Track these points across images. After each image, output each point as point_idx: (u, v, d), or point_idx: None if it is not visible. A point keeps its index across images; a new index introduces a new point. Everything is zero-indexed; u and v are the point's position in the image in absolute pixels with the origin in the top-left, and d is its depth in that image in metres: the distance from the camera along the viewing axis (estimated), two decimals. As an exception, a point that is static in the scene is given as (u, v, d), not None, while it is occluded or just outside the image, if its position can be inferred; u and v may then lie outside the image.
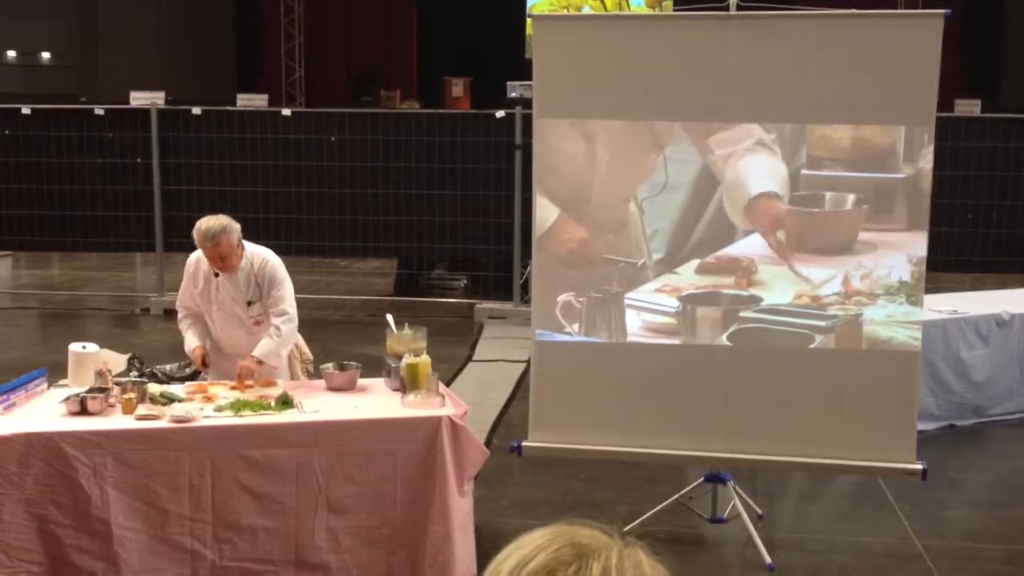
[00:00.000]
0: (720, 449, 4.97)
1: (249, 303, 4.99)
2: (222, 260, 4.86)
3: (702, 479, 5.23)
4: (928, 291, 5.23)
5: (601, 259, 5.11)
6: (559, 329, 5.16)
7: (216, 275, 4.95)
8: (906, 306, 4.99)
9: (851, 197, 5.02)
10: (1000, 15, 18.10)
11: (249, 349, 4.94)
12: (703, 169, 5.01)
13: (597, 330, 5.17)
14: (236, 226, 4.86)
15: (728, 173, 5.01)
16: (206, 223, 4.82)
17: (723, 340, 5.08)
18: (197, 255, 5.04)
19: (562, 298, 5.15)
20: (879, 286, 4.94)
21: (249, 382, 4.77)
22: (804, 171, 4.96)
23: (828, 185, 5.02)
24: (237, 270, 4.93)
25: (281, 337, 4.92)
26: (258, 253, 5.01)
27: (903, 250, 4.93)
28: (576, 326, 5.15)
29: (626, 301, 5.15)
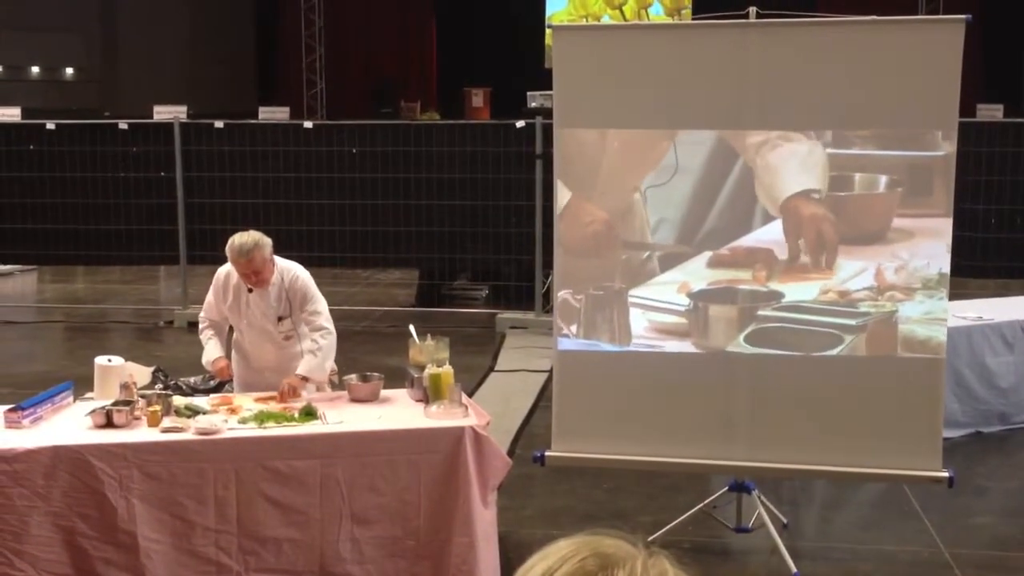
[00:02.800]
0: (744, 458, 4.93)
1: (280, 319, 5.00)
2: (256, 275, 4.86)
3: (726, 488, 5.20)
4: (952, 297, 5.05)
5: (613, 254, 4.84)
6: (558, 332, 4.94)
7: (250, 291, 4.96)
8: (946, 301, 4.64)
9: (883, 179, 4.65)
10: (1022, 20, 17.98)
11: (277, 363, 4.96)
12: (715, 149, 4.74)
13: (598, 331, 4.91)
14: (268, 241, 4.86)
15: (759, 163, 4.69)
16: (239, 239, 4.82)
17: (740, 341, 4.80)
18: (226, 269, 5.05)
19: (560, 295, 4.90)
20: (916, 279, 4.59)
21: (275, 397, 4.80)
22: (830, 150, 4.66)
23: (857, 165, 4.67)
24: (270, 284, 4.95)
25: (323, 352, 4.91)
26: (288, 268, 5.02)
27: (942, 238, 4.59)
28: (574, 327, 4.92)
29: (630, 299, 4.85)
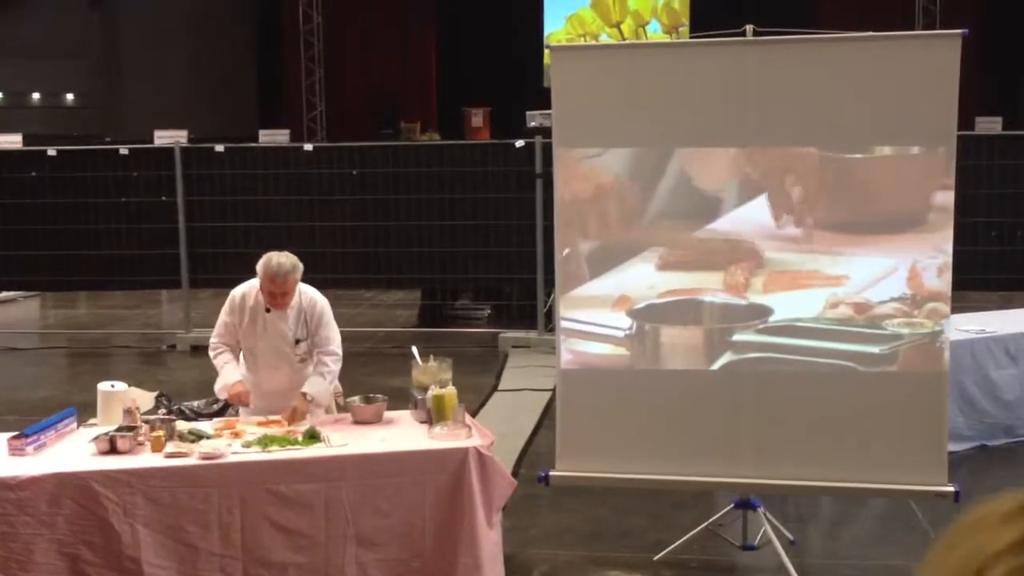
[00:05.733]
0: (749, 475, 4.91)
1: (297, 341, 4.99)
2: (283, 297, 4.85)
3: (732, 505, 5.19)
4: (955, 310, 4.88)
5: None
6: (560, 350, 4.47)
7: (268, 310, 4.96)
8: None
9: None
10: (1021, 32, 18.03)
11: (290, 387, 4.95)
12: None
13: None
14: (301, 266, 4.87)
15: None
16: (277, 259, 4.80)
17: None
18: (242, 290, 5.03)
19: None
20: None
21: (278, 418, 4.79)
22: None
23: None
24: (290, 307, 4.94)
25: (331, 375, 4.93)
26: (307, 291, 5.02)
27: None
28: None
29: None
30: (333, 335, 4.99)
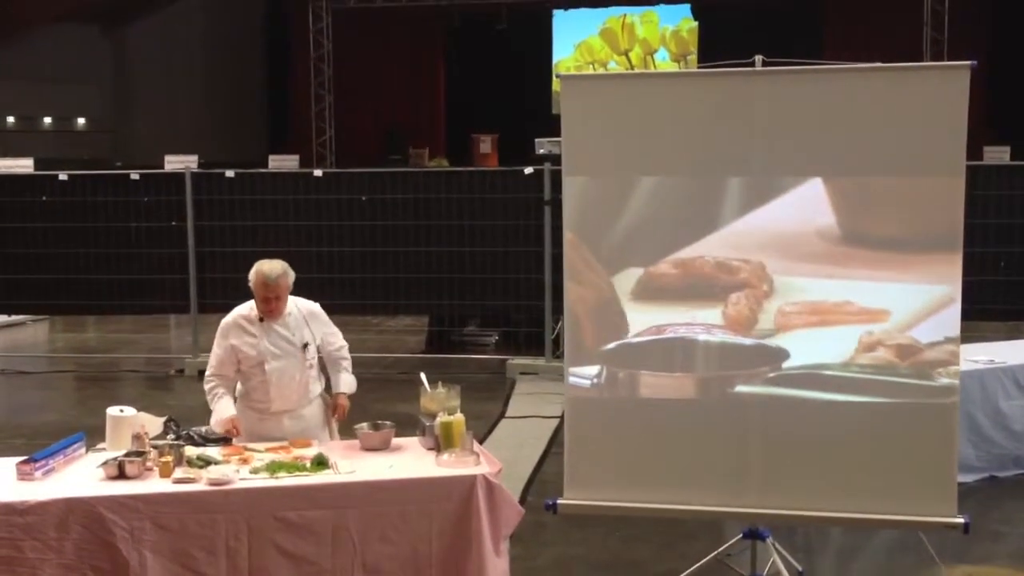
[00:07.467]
0: (757, 505, 4.89)
1: (305, 346, 5.06)
2: (276, 301, 4.96)
3: (740, 535, 5.16)
4: (964, 340, 4.93)
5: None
6: (568, 378, 4.62)
7: (261, 320, 5.00)
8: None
9: None
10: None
11: (299, 402, 5.06)
12: None
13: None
14: (292, 273, 5.03)
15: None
16: (267, 265, 4.96)
17: None
18: (232, 318, 5.09)
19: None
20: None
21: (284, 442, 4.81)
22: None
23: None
24: (283, 314, 5.02)
25: (349, 364, 5.26)
26: (300, 300, 5.19)
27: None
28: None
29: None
30: (336, 330, 5.29)
